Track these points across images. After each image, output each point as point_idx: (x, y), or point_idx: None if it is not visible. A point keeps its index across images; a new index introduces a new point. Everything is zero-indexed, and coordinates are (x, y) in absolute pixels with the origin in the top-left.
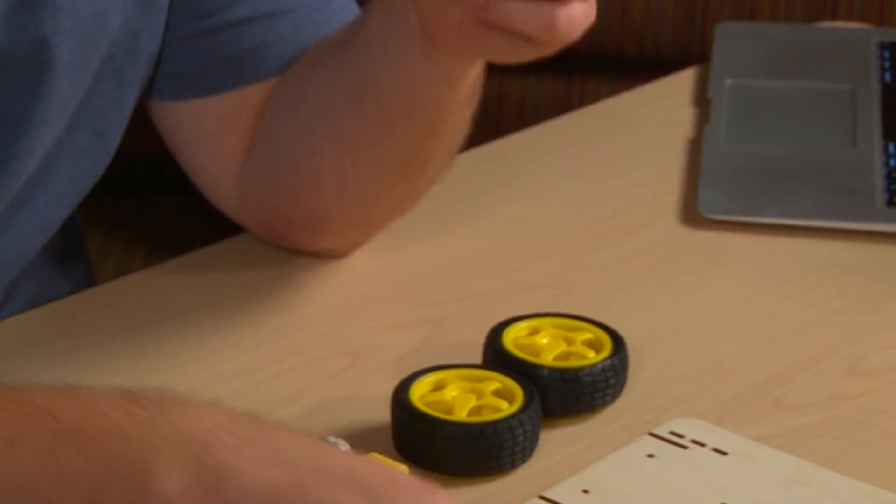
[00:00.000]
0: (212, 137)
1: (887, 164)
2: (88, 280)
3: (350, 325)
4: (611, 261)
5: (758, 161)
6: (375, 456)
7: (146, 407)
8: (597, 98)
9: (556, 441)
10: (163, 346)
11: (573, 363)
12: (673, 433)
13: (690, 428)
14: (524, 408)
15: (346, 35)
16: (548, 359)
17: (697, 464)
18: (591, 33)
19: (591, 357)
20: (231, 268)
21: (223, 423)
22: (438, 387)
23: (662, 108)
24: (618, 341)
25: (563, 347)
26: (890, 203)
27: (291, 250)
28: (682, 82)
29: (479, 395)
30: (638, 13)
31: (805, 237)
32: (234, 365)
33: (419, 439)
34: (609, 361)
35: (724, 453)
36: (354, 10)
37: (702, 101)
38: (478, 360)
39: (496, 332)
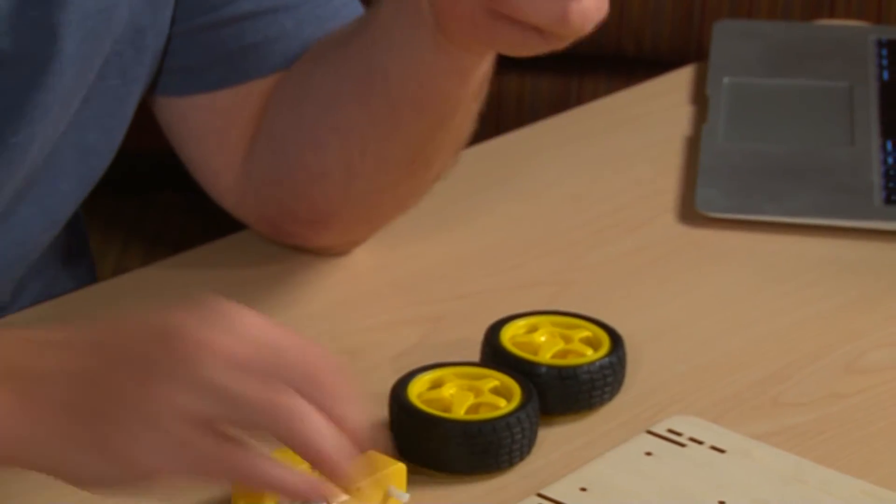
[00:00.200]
0: (215, 132)
1: (885, 161)
2: (92, 280)
3: (348, 323)
4: (609, 259)
5: (756, 159)
6: (372, 454)
7: None
8: (595, 96)
9: (554, 439)
10: None
11: (571, 361)
12: (671, 431)
13: (688, 426)
14: (522, 405)
15: (351, 30)
16: (546, 356)
17: (695, 462)
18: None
19: (589, 355)
20: (229, 265)
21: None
22: (436, 384)
23: (660, 106)
24: (616, 339)
25: (561, 345)
26: (888, 201)
27: (292, 247)
28: (680, 80)
29: (477, 392)
30: (636, 11)
31: (803, 235)
32: None
33: (417, 437)
34: (607, 359)
35: (722, 451)
36: (357, 7)
37: (700, 99)
38: (476, 357)
39: (494, 330)
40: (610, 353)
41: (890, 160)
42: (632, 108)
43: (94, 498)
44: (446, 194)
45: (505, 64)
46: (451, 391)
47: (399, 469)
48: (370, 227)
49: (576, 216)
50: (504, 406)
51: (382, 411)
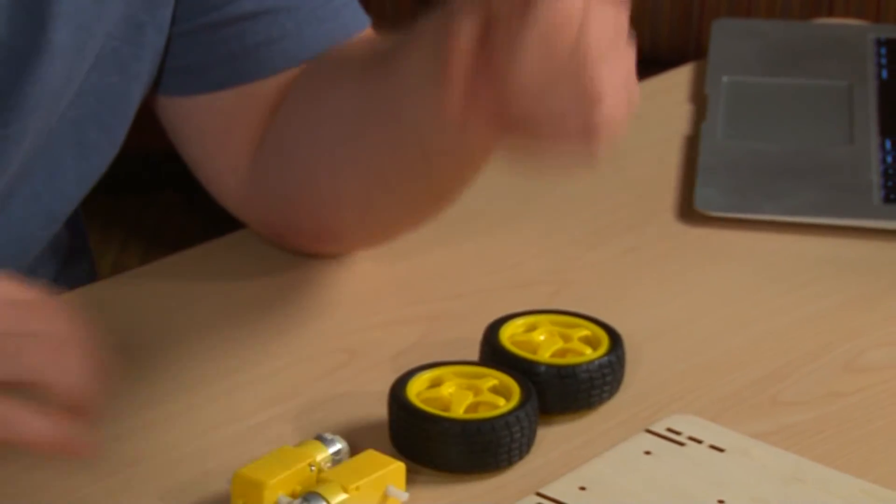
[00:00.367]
0: (216, 134)
1: (884, 160)
2: (92, 278)
3: (347, 322)
4: (608, 258)
5: (755, 158)
6: (371, 453)
7: None
8: None
9: (553, 438)
10: (160, 343)
11: (570, 360)
12: (670, 430)
13: (687, 425)
14: (521, 405)
15: (372, 65)
16: (545, 356)
17: (695, 460)
18: None
19: (588, 354)
20: (228, 265)
21: None
22: (435, 383)
23: (659, 104)
24: (615, 338)
25: (559, 344)
26: (886, 200)
27: (291, 251)
28: (679, 79)
29: (476, 391)
30: (634, 9)
31: (802, 234)
32: (230, 361)
33: (416, 436)
34: (606, 358)
35: (721, 450)
36: (356, 8)
37: (699, 98)
38: (475, 356)
39: (493, 329)
40: (609, 352)
41: (889, 159)
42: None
43: (94, 497)
44: None
45: None
46: (451, 390)
47: (398, 468)
48: (379, 243)
49: (575, 215)
50: (503, 405)
51: (381, 410)
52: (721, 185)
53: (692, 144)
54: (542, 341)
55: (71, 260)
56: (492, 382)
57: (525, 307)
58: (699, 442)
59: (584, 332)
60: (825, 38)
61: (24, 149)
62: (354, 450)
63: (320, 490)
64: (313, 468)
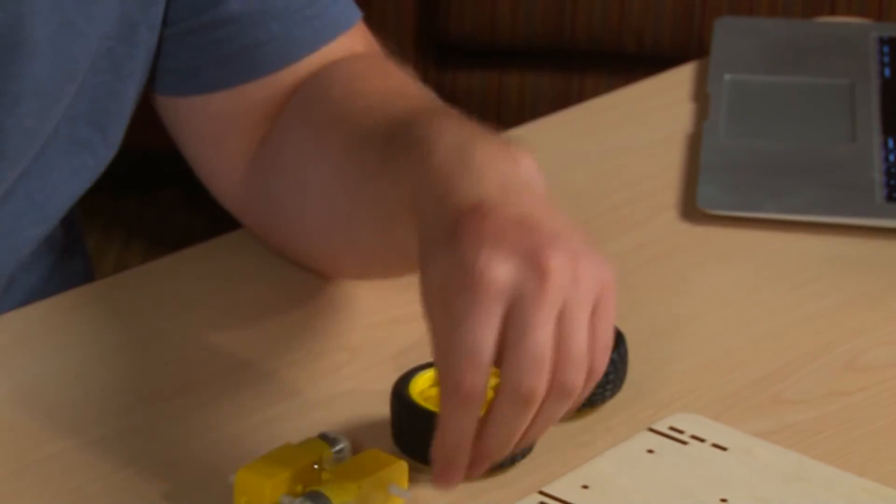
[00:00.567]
0: (211, 137)
1: (886, 159)
2: (87, 274)
3: (349, 320)
4: (610, 256)
5: (757, 156)
6: (373, 451)
7: None
8: (595, 93)
9: (555, 436)
10: (161, 342)
11: None
12: (672, 428)
13: (690, 423)
14: None
15: (377, 149)
16: None
17: (697, 459)
18: (590, 28)
19: None
20: (230, 263)
21: None
22: (438, 382)
23: (661, 103)
24: (617, 336)
25: None
26: (889, 198)
27: None
28: (681, 77)
29: None
30: (637, 8)
31: (804, 232)
32: (232, 360)
33: (419, 435)
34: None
35: (723, 449)
36: (345, 3)
37: (701, 97)
38: None
39: None
40: (611, 351)
41: (891, 157)
42: (633, 106)
43: (97, 495)
44: None
45: (506, 61)
46: None
47: (400, 467)
48: (374, 278)
49: (577, 213)
50: None
51: (384, 409)
52: (723, 184)
53: (694, 143)
54: None
55: (66, 254)
56: (494, 381)
57: None
58: (702, 440)
59: None
60: (827, 37)
61: (14, 147)
62: (356, 448)
63: (323, 489)
64: (316, 466)
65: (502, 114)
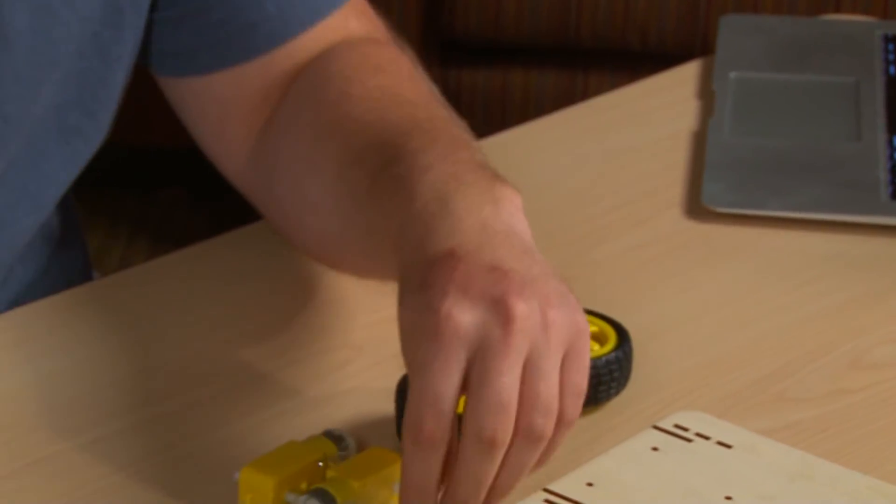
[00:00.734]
0: (214, 119)
1: (891, 157)
2: (85, 268)
3: (353, 318)
4: (615, 253)
5: (762, 154)
6: (378, 449)
7: None
8: (600, 91)
9: None
10: (165, 339)
11: None
12: (677, 426)
13: (695, 421)
14: None
15: (369, 169)
16: None
17: (702, 457)
18: (594, 26)
19: (596, 350)
20: (234, 260)
21: None
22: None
23: (666, 100)
24: (622, 334)
25: None
26: (894, 196)
27: None
28: (686, 75)
29: None
30: (641, 6)
31: (809, 230)
32: (236, 357)
33: None
34: (613, 354)
35: (728, 446)
36: None
37: (705, 94)
38: None
39: None
40: (616, 348)
41: None
42: (637, 103)
43: (100, 494)
44: None
45: (510, 59)
46: None
47: None
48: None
49: (581, 211)
50: None
51: (388, 406)
52: (728, 181)
53: (699, 140)
54: None
55: (63, 245)
56: None
57: None
58: (706, 438)
59: (592, 328)
60: (832, 35)
61: (2, 134)
62: (361, 446)
63: (327, 486)
64: (321, 464)
65: (506, 111)
